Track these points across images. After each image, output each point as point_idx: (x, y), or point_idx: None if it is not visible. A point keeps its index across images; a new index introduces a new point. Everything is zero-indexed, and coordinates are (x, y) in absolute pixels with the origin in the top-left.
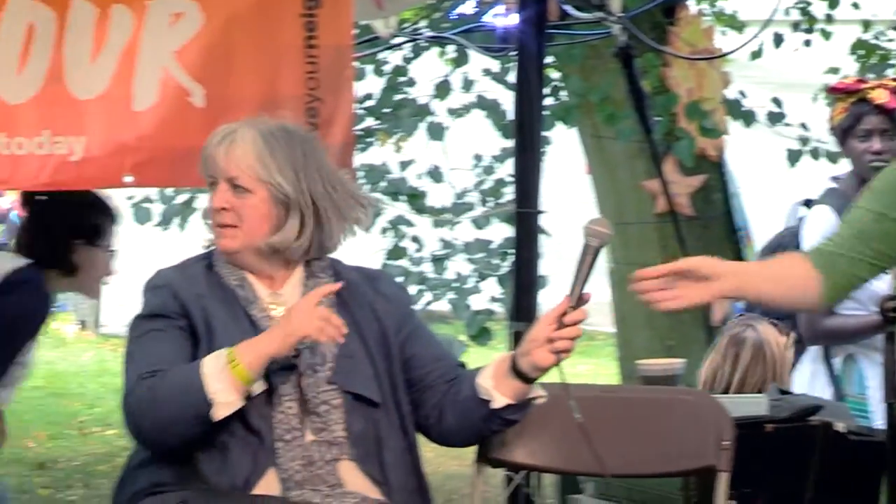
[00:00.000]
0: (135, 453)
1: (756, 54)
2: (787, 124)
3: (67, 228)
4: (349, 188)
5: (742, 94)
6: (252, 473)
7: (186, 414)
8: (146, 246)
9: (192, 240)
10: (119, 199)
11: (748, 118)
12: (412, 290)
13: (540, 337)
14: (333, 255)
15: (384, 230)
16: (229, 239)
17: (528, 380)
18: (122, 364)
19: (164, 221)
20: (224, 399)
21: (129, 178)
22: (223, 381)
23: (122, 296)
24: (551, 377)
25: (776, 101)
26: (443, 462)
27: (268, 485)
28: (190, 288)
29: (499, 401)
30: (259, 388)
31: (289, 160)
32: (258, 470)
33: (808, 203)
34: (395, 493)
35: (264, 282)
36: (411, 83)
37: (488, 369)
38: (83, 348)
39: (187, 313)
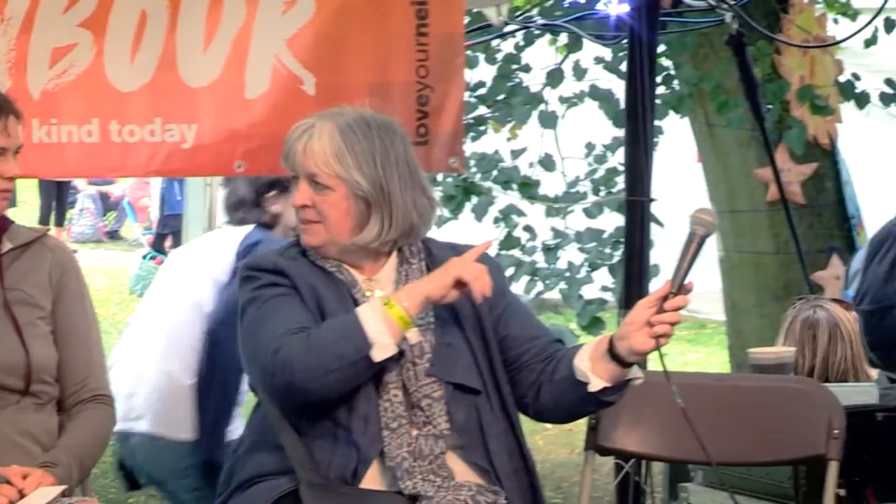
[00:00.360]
0: (240, 442)
1: (870, 42)
2: None
3: (253, 188)
4: (423, 183)
5: (855, 76)
6: (360, 462)
7: (345, 358)
8: None
9: None
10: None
11: (862, 100)
12: (523, 280)
13: (639, 320)
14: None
15: (496, 220)
16: (312, 235)
17: (624, 364)
18: (248, 329)
19: None
20: (383, 340)
21: (240, 166)
22: (381, 321)
23: None
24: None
25: (889, 83)
26: (553, 450)
27: (375, 474)
28: (296, 269)
29: (595, 383)
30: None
31: (367, 154)
32: (365, 459)
33: None
34: (502, 480)
35: (356, 270)
36: (526, 69)
37: (585, 351)
38: None
39: (298, 291)
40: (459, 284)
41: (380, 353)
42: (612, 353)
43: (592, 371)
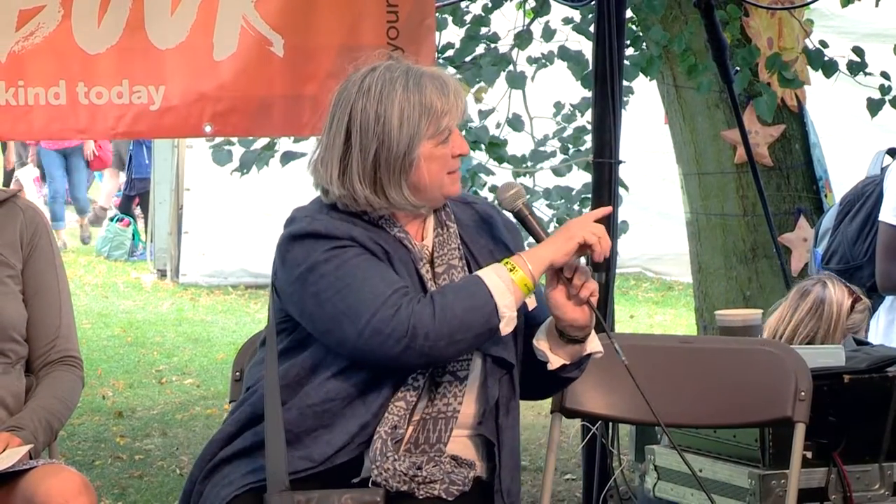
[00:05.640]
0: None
1: (847, 1)
2: (868, 73)
3: None
4: None
5: (823, 43)
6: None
7: (473, 329)
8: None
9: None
10: (199, 141)
11: (829, 68)
12: None
13: (557, 304)
14: None
15: (464, 179)
16: (458, 184)
17: (575, 340)
18: (331, 288)
19: (243, 167)
20: (511, 314)
21: (208, 128)
22: (510, 293)
23: (201, 245)
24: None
25: (857, 51)
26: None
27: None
28: (364, 234)
29: (554, 362)
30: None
31: None
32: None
33: (892, 152)
34: (504, 456)
35: (412, 234)
36: (495, 39)
37: (543, 330)
38: (161, 297)
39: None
40: (581, 247)
41: (507, 327)
42: (561, 333)
43: (551, 350)
